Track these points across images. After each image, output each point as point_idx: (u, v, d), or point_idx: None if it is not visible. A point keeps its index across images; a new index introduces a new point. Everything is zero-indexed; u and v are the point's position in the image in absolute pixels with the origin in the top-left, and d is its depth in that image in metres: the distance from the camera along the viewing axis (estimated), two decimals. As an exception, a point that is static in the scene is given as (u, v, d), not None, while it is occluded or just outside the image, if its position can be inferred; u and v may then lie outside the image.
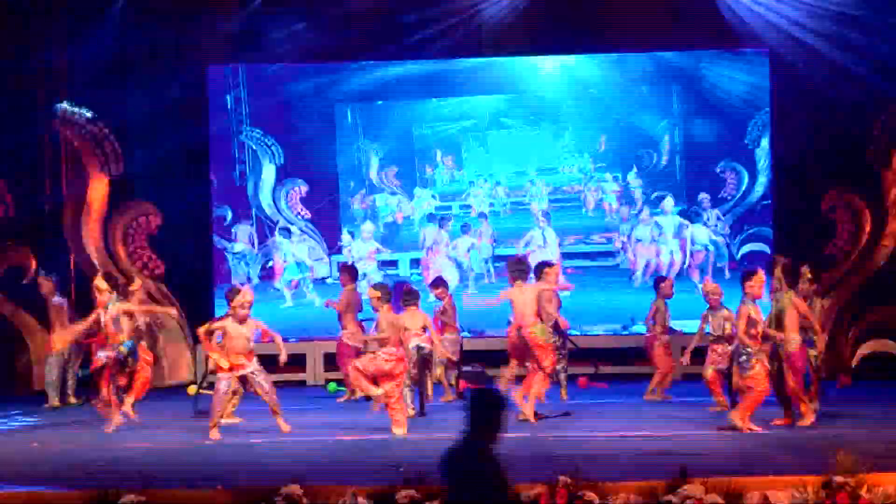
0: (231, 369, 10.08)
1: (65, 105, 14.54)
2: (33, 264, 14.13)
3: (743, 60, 15.22)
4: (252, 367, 10.17)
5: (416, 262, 15.94)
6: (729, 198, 15.32)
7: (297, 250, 15.90)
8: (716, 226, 15.24)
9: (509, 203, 15.98)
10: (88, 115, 13.96)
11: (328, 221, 15.98)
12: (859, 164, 14.00)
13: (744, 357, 9.63)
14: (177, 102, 14.80)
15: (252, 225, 15.82)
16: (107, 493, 7.29)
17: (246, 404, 11.13)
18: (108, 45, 14.70)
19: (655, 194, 15.54)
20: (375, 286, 10.82)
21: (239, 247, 15.75)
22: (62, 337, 12.02)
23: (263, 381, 10.22)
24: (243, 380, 10.22)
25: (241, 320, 10.12)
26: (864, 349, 12.77)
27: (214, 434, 9.98)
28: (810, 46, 14.20)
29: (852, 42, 13.96)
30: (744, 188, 15.21)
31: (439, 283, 12.91)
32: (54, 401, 12.72)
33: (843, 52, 13.94)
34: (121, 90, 14.79)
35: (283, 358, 10.19)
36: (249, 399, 10.89)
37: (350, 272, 13.22)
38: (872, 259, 13.68)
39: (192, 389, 13.32)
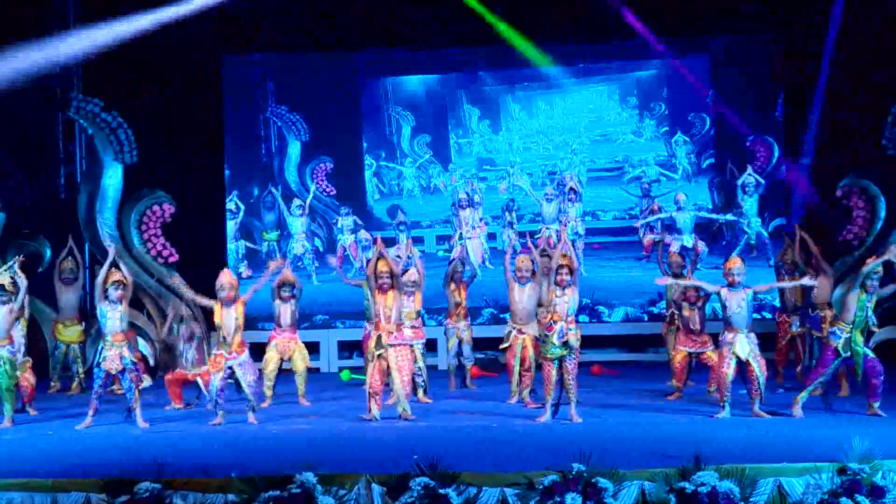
0: None
1: (79, 94, 14.55)
2: (48, 253, 14.16)
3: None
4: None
5: (441, 239, 15.77)
6: (760, 171, 15.18)
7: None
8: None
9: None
10: (102, 103, 13.96)
11: (355, 197, 15.89)
12: (874, 150, 13.89)
13: None
14: (192, 90, 14.81)
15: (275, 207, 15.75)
16: (122, 481, 7.33)
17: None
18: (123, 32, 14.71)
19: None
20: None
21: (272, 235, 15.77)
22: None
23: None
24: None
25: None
26: (879, 335, 12.66)
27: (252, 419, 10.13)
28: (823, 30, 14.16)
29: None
30: (774, 162, 15.14)
31: None
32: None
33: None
34: (136, 78, 14.77)
35: None
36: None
37: None
38: (887, 245, 13.55)
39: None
